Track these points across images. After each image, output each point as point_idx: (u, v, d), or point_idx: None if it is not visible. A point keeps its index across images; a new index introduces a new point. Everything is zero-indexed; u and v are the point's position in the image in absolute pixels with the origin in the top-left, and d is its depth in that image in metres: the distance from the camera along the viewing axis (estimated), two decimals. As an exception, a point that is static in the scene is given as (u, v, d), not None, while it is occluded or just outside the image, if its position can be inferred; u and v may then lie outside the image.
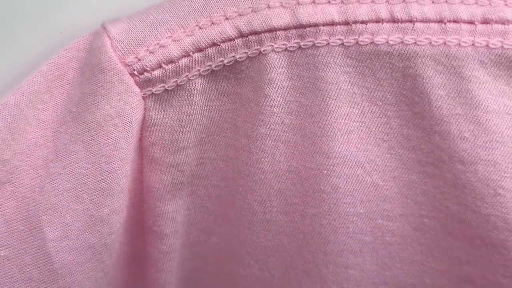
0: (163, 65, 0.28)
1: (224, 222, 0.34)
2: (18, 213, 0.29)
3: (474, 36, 0.28)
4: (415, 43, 0.28)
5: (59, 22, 0.30)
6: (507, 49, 0.28)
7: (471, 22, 0.28)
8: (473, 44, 0.28)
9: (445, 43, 0.28)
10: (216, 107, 0.31)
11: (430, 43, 0.28)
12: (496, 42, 0.28)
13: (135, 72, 0.28)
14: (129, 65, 0.28)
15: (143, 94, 0.29)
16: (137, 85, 0.29)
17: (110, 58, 0.28)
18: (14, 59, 0.30)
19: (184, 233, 0.34)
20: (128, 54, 0.28)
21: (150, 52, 0.28)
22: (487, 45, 0.28)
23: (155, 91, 0.29)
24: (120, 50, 0.28)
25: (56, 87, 0.29)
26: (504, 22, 0.27)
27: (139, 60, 0.28)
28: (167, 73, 0.29)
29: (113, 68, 0.28)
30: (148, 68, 0.28)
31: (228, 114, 0.31)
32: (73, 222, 0.29)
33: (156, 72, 0.29)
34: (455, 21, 0.28)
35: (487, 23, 0.28)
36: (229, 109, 0.31)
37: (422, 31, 0.28)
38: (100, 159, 0.29)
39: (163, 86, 0.29)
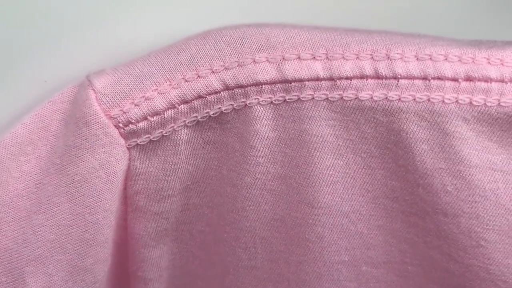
0: (148, 117, 0.28)
1: (209, 266, 0.34)
2: (0, 265, 0.28)
3: (458, 93, 0.28)
4: (399, 99, 0.28)
5: (44, 70, 0.30)
6: (490, 106, 0.28)
7: (454, 80, 0.28)
8: (456, 101, 0.28)
9: (429, 100, 0.28)
10: (202, 155, 0.31)
11: (414, 99, 0.28)
12: (479, 100, 0.28)
13: (120, 124, 0.28)
14: (114, 118, 0.28)
15: (128, 145, 0.29)
16: (122, 136, 0.29)
17: (95, 111, 0.28)
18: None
19: (168, 277, 0.34)
20: (113, 107, 0.28)
21: (135, 105, 0.28)
22: (470, 102, 0.28)
23: (140, 142, 0.29)
24: (105, 103, 0.28)
25: (40, 139, 0.29)
26: (487, 80, 0.28)
27: (124, 112, 0.28)
28: (153, 124, 0.29)
29: (98, 122, 0.28)
30: (133, 121, 0.28)
31: (213, 162, 0.31)
32: (56, 272, 0.29)
33: (141, 124, 0.28)
34: (439, 78, 0.28)
35: (471, 80, 0.28)
36: (214, 157, 0.31)
37: (406, 87, 0.28)
38: (84, 211, 0.29)
39: (148, 137, 0.29)
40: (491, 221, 0.30)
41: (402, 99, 0.28)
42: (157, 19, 0.31)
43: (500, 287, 0.31)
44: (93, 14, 0.30)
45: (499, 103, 0.28)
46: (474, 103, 0.28)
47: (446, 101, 0.28)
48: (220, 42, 0.28)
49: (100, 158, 0.28)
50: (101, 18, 0.30)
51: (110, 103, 0.28)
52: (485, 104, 0.28)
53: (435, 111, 0.28)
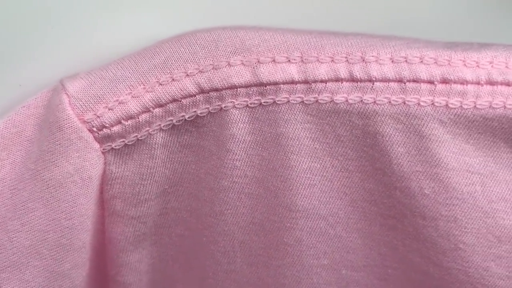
0: (122, 121, 0.28)
1: (189, 270, 0.34)
2: (-24, 271, 0.28)
3: (434, 96, 0.28)
4: (375, 102, 0.28)
5: (18, 75, 0.30)
6: (466, 109, 0.28)
7: (430, 82, 0.28)
8: (432, 104, 0.28)
9: (404, 103, 0.28)
10: (179, 159, 0.30)
11: (390, 102, 0.28)
12: (455, 102, 0.28)
13: (94, 129, 0.28)
14: (88, 122, 0.28)
15: (103, 149, 0.29)
16: (96, 140, 0.28)
17: (68, 116, 0.28)
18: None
19: (148, 281, 0.34)
20: (87, 112, 0.28)
21: (109, 109, 0.28)
22: (447, 105, 0.28)
23: (115, 146, 0.29)
24: (78, 108, 0.28)
25: (14, 144, 0.28)
26: (463, 82, 0.28)
27: (98, 117, 0.28)
28: (127, 128, 0.28)
29: (71, 126, 0.28)
30: (107, 125, 0.28)
31: (191, 166, 0.31)
32: (33, 278, 0.29)
33: (116, 128, 0.28)
34: (414, 81, 0.28)
35: (447, 83, 0.28)
36: (192, 161, 0.31)
37: (381, 90, 0.28)
38: (60, 216, 0.29)
39: (123, 141, 0.29)
40: (469, 224, 0.29)
41: (377, 101, 0.28)
42: (134, 23, 0.30)
43: (479, 290, 0.31)
44: (68, 17, 0.30)
45: (475, 106, 0.28)
46: (450, 105, 0.28)
47: (421, 103, 0.28)
48: (194, 45, 0.28)
49: (74, 163, 0.28)
50: (76, 22, 0.30)
51: (84, 107, 0.28)
52: (461, 106, 0.28)
53: (410, 113, 0.28)
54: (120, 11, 0.30)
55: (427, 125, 0.28)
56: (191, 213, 0.32)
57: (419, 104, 0.28)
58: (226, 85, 0.28)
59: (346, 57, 0.28)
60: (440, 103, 0.28)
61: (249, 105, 0.29)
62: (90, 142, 0.28)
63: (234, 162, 0.30)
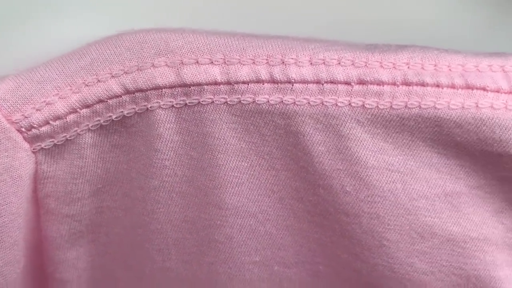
0: (50, 121, 0.29)
1: (128, 268, 0.34)
2: None
3: (351, 97, 0.28)
4: (294, 103, 0.28)
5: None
6: (382, 109, 0.28)
7: (347, 83, 0.28)
8: (349, 104, 0.28)
9: (322, 103, 0.28)
10: (110, 158, 0.31)
11: (309, 103, 0.28)
12: (372, 103, 0.28)
13: (23, 129, 0.29)
14: (16, 123, 0.28)
15: (33, 149, 0.29)
16: (26, 140, 0.29)
17: (-5, 117, 0.28)
18: None
19: (89, 278, 0.34)
20: (15, 112, 0.28)
21: (37, 110, 0.29)
22: (363, 105, 0.28)
23: (45, 146, 0.29)
24: (6, 109, 0.28)
25: None
26: (379, 83, 0.28)
27: (26, 117, 0.28)
28: (55, 129, 0.29)
29: (-1, 127, 0.28)
30: (35, 125, 0.29)
31: (123, 165, 0.31)
32: (-36, 275, 0.30)
33: (44, 128, 0.29)
34: (332, 82, 0.28)
35: (363, 84, 0.28)
36: (123, 161, 0.31)
37: (300, 91, 0.28)
38: None
39: (53, 141, 0.29)
40: (392, 221, 0.30)
41: (297, 102, 0.28)
42: (68, 25, 0.31)
43: (406, 286, 0.32)
44: (6, 19, 0.30)
45: (391, 106, 0.28)
46: (367, 106, 0.28)
47: (339, 104, 0.28)
48: (120, 46, 0.29)
49: (3, 162, 0.29)
50: (9, 25, 0.30)
51: (11, 108, 0.28)
52: (377, 106, 0.28)
53: (329, 114, 0.29)
54: (54, 14, 0.31)
55: (345, 125, 0.29)
56: (125, 211, 0.33)
57: (336, 104, 0.28)
58: (151, 86, 0.29)
59: (266, 59, 0.28)
60: (357, 104, 0.28)
61: (175, 105, 0.29)
62: (19, 142, 0.29)
63: (163, 162, 0.30)
